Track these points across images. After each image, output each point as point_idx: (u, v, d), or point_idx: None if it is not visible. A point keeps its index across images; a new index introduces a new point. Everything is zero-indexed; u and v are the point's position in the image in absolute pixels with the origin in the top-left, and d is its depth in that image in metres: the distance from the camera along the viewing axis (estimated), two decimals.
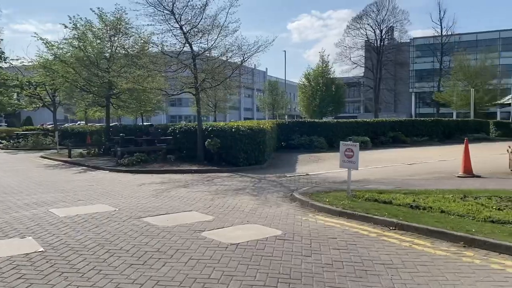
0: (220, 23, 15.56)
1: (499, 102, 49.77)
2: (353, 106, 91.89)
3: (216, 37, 15.71)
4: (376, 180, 11.50)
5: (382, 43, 70.63)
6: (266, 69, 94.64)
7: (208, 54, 16.52)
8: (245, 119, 71.49)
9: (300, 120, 31.11)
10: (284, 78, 73.95)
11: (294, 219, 7.40)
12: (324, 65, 52.93)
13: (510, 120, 40.40)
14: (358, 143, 8.91)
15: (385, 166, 15.42)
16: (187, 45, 15.90)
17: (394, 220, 6.68)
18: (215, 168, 14.77)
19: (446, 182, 10.82)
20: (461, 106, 43.76)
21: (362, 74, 76.67)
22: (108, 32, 21.82)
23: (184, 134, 17.10)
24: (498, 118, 70.84)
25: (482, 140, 32.03)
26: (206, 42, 16.02)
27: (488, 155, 18.53)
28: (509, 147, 12.51)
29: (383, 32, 70.52)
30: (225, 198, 9.44)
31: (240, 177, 13.07)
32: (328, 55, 71.00)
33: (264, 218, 7.43)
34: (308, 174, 13.33)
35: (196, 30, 15.75)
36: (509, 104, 53.85)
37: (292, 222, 7.14)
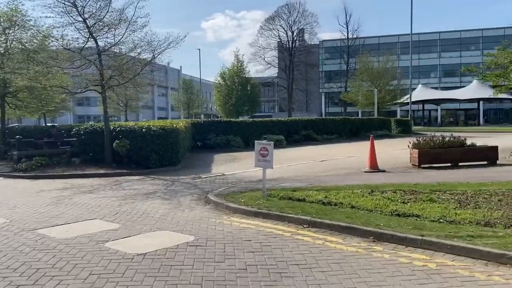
0: (128, 17, 14.68)
1: (399, 101, 54.22)
2: (268, 106, 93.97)
3: (124, 32, 14.79)
4: (291, 178, 11.62)
5: (293, 45, 72.99)
6: (181, 67, 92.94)
7: (116, 50, 15.50)
8: (159, 118, 69.40)
9: (216, 119, 30.89)
10: (199, 77, 73.34)
11: (208, 222, 7.08)
12: (239, 65, 53.25)
13: (409, 118, 44.01)
14: (272, 142, 8.87)
15: (299, 163, 15.73)
16: (92, 39, 14.77)
17: (308, 217, 6.68)
18: (125, 171, 13.89)
19: (355, 178, 11.26)
20: (366, 105, 46.88)
21: (276, 74, 78.63)
22: (2, 24, 19.58)
23: (90, 135, 15.88)
24: (399, 116, 77.12)
25: (385, 137, 34.44)
26: (113, 37, 15.01)
27: (390, 150, 19.83)
28: (410, 143, 13.41)
29: (295, 33, 72.91)
30: (134, 203, 8.82)
31: (151, 179, 12.42)
32: (243, 55, 71.87)
33: (176, 224, 7.01)
34: (224, 174, 13.09)
35: (101, 24, 14.68)
36: (407, 103, 58.95)
37: (206, 226, 6.81)
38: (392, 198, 7.68)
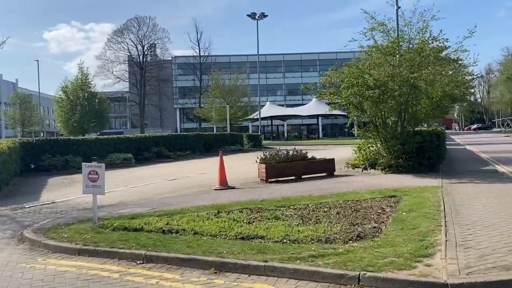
0: None
1: (250, 117, 56.67)
2: (120, 122, 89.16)
3: None
4: (134, 202, 10.49)
5: (145, 59, 70.85)
6: (17, 80, 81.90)
7: None
8: None
9: (52, 138, 27.51)
10: (38, 91, 65.47)
11: (14, 269, 5.61)
12: (84, 78, 49.06)
13: (259, 133, 46.11)
14: (104, 164, 7.70)
15: (147, 184, 14.59)
16: None
17: (142, 251, 5.77)
18: None
19: (204, 197, 10.70)
20: (219, 121, 47.66)
21: (127, 89, 75.16)
22: None
23: None
24: (251, 131, 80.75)
25: (238, 152, 35.28)
26: None
27: (242, 165, 19.99)
28: (258, 158, 13.49)
29: (145, 48, 70.90)
30: None
31: None
32: (88, 68, 66.80)
33: None
34: (54, 202, 11.24)
35: None
36: (257, 119, 61.97)
37: (10, 275, 5.35)
38: (238, 219, 7.27)
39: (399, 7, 15.27)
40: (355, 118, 14.79)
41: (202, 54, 76.49)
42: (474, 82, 15.92)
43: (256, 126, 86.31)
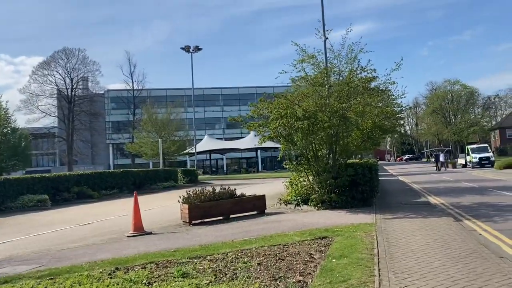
0: None
1: (186, 151, 54.95)
2: (48, 159, 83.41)
3: None
4: (23, 257, 8.66)
5: (74, 93, 67.23)
6: None
7: None
8: None
9: None
10: None
11: None
12: (3, 113, 45.06)
13: (194, 168, 44.47)
14: None
15: (57, 230, 12.65)
16: None
17: None
18: None
19: (110, 247, 9.11)
20: (152, 156, 45.45)
21: (56, 124, 70.59)
22: None
23: None
24: (189, 166, 78.63)
25: (171, 188, 33.42)
26: None
27: (170, 204, 18.45)
28: (180, 197, 12.14)
29: (74, 81, 67.40)
30: None
31: None
32: (7, 101, 61.91)
33: None
34: None
35: None
36: (193, 153, 60.35)
37: None
38: (136, 279, 5.88)
39: (327, 38, 15.04)
40: (286, 151, 13.98)
41: (136, 87, 74.15)
42: (403, 113, 15.91)
43: (195, 160, 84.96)
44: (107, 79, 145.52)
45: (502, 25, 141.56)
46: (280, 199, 14.43)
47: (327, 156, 13.38)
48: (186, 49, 43.37)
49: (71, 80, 66.55)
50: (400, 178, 32.07)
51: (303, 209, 13.29)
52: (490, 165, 39.90)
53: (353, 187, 13.24)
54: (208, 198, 12.04)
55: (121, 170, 31.49)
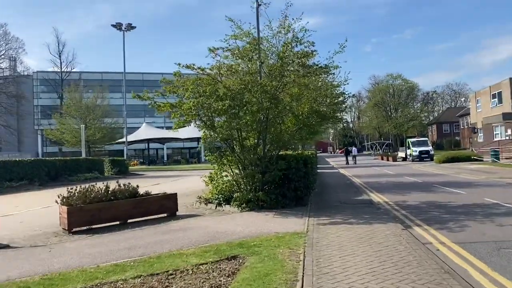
0: None
1: (120, 140, 50.77)
2: None
3: None
4: None
5: None
6: None
7: None
8: None
9: None
10: None
11: None
12: None
13: (125, 158, 40.78)
14: None
15: None
16: None
17: None
18: None
19: None
20: (75, 143, 40.91)
21: None
22: None
23: None
24: (125, 156, 73.87)
25: (94, 180, 29.77)
26: None
27: None
28: (59, 196, 9.26)
29: None
30: None
31: None
32: None
33: None
34: None
35: None
36: (132, 142, 56.23)
37: None
38: None
39: (260, 4, 12.50)
40: (208, 139, 11.38)
41: (65, 69, 67.82)
42: (346, 101, 13.88)
43: (134, 149, 79.61)
44: (25, 56, 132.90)
45: (440, 26, 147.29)
46: (200, 197, 11.93)
47: (254, 146, 11.00)
48: (118, 26, 39.31)
49: None
50: (341, 171, 30.70)
51: (225, 210, 10.88)
52: (429, 159, 39.82)
53: (285, 183, 11.03)
54: (97, 198, 9.26)
55: (32, 159, 27.63)
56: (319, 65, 10.77)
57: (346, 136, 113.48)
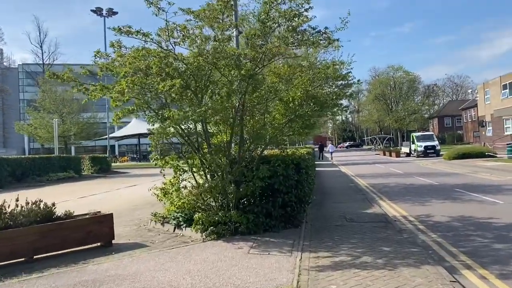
0: None
1: (113, 135, 47.47)
2: None
3: None
4: None
5: None
6: None
7: None
8: None
9: None
10: None
11: None
12: None
13: (107, 155, 37.55)
14: None
15: None
16: None
17: None
18: None
19: None
20: (48, 139, 37.33)
21: None
22: None
23: None
24: (117, 152, 70.51)
25: (69, 180, 26.82)
26: None
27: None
28: None
29: None
30: None
31: None
32: None
33: None
34: None
35: None
36: (121, 137, 52.95)
37: None
38: None
39: None
40: (162, 135, 8.16)
41: (46, 60, 64.20)
42: (351, 85, 10.73)
43: (125, 145, 76.38)
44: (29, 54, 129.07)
45: (440, 19, 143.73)
46: (156, 215, 8.79)
47: (225, 145, 7.87)
48: (98, 11, 35.94)
49: None
50: (342, 169, 27.61)
51: (184, 236, 7.73)
52: (435, 155, 36.73)
53: (270, 196, 7.92)
54: None
55: None
56: (316, 29, 7.57)
57: (345, 130, 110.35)
